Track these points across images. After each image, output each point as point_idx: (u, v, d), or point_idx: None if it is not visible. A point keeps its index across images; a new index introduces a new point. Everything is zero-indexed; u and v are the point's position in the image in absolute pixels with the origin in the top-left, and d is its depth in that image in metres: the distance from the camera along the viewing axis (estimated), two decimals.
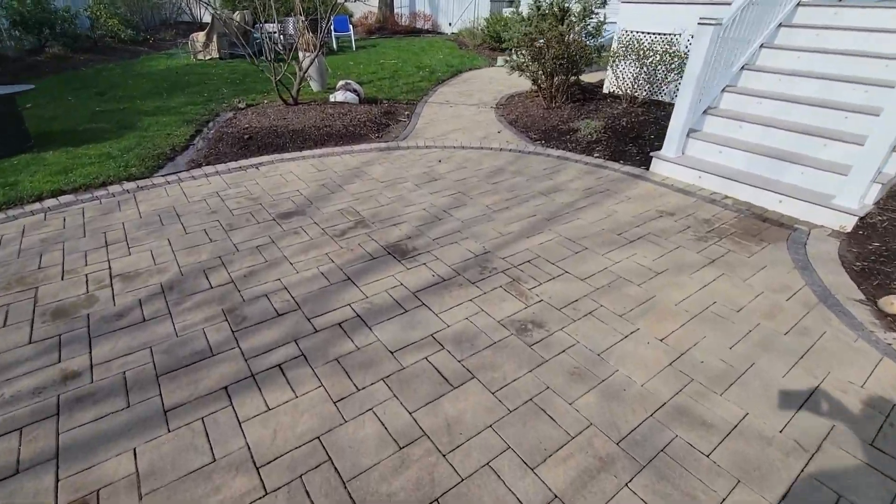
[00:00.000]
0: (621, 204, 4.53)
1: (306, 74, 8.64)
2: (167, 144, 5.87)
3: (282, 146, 5.97)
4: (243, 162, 5.47)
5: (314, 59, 7.52)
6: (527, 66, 7.33)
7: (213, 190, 4.74)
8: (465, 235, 3.89)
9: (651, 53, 6.67)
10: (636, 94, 7.37)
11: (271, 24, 11.13)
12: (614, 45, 7.74)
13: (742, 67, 5.29)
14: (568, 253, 3.65)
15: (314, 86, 9.03)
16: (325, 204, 4.47)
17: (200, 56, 12.69)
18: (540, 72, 7.15)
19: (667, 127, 5.12)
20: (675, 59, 6.46)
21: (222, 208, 4.33)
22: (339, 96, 7.80)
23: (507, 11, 13.18)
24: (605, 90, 8.37)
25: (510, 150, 6.08)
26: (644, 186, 4.97)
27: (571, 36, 6.83)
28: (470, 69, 11.68)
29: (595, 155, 5.81)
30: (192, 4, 17.51)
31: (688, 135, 5.13)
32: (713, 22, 4.47)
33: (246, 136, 6.17)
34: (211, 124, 6.85)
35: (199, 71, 10.96)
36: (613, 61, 7.20)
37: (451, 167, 5.47)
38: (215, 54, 12.86)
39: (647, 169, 5.33)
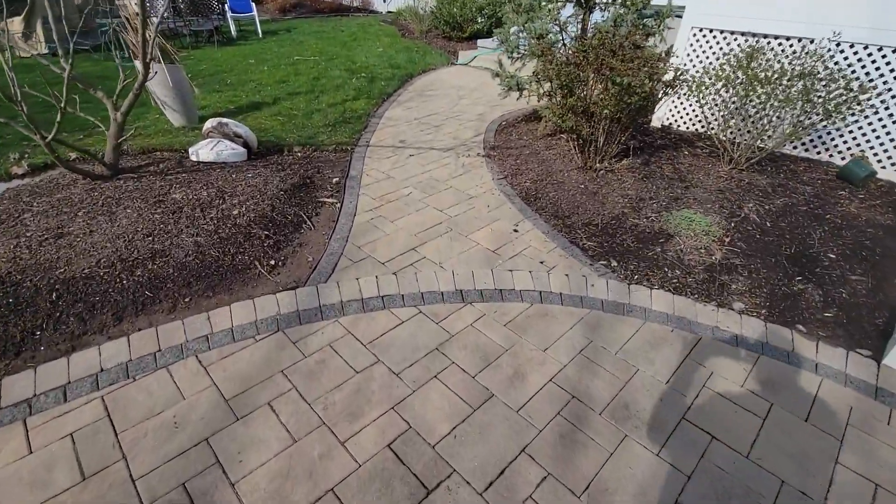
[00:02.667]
0: None
1: (160, 100, 4.95)
2: None
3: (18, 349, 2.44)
4: None
5: (144, 80, 3.83)
6: (550, 96, 4.07)
7: None
8: None
9: (775, 78, 3.63)
10: (725, 137, 4.34)
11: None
12: (680, 53, 4.65)
13: None
14: None
15: (174, 119, 5.30)
16: None
17: (24, 51, 8.37)
18: (571, 112, 3.92)
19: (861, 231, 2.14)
20: (836, 90, 3.48)
21: None
22: (203, 151, 4.20)
23: None
24: (658, 123, 5.31)
25: (560, 300, 2.91)
26: None
27: (622, 39, 3.64)
28: (423, 71, 8.24)
29: (741, 308, 2.81)
30: None
31: None
32: None
33: None
34: None
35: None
36: (682, 84, 4.06)
37: (457, 405, 2.25)
38: (43, 48, 8.69)
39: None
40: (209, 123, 4.35)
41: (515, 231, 3.53)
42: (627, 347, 2.55)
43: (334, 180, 4.23)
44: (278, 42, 10.18)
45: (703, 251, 3.17)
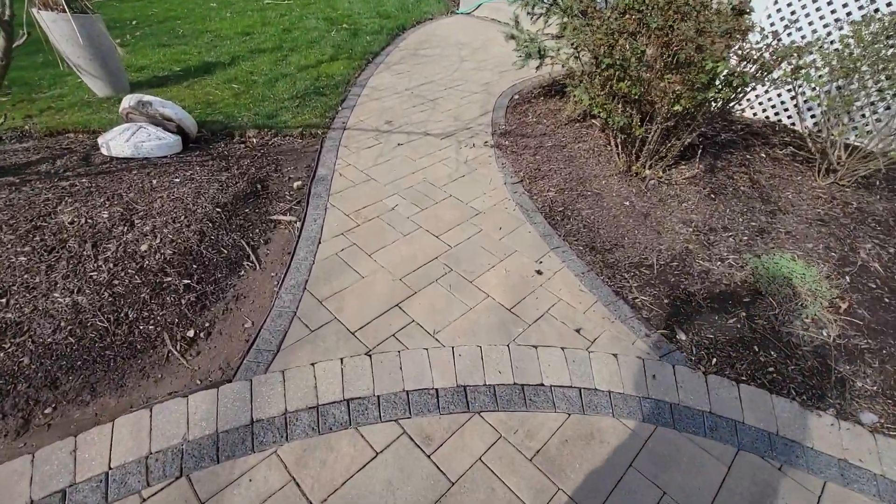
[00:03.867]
0: None
1: (72, 63, 3.82)
2: None
3: None
4: None
5: (8, 43, 2.69)
6: (589, 75, 2.95)
7: None
8: None
9: None
10: (820, 133, 3.27)
11: None
12: (759, 13, 3.47)
13: None
14: None
15: (95, 87, 4.13)
16: None
17: None
18: (619, 100, 2.81)
19: None
20: None
21: None
22: (116, 143, 3.11)
23: None
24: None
25: (610, 404, 2.03)
26: None
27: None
28: (418, 23, 6.90)
29: (873, 423, 1.94)
30: None
31: None
32: None
33: None
34: None
35: None
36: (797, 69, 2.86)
37: None
38: None
39: None
40: (126, 102, 3.22)
41: (539, 273, 2.55)
42: None
43: (295, 184, 3.18)
44: None
45: (808, 322, 2.22)
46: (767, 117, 3.88)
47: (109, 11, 6.83)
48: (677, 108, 2.41)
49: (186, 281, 2.29)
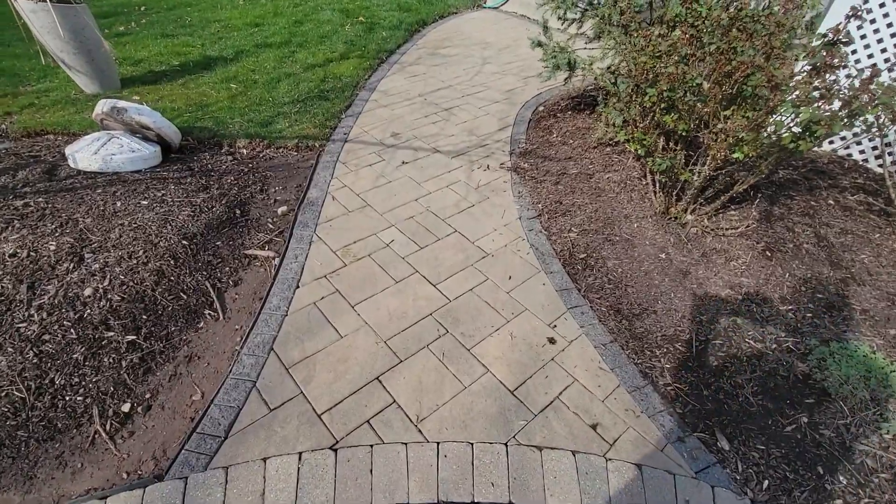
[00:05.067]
0: None
1: (56, 57, 3.52)
2: None
3: None
4: None
5: None
6: (626, 105, 2.46)
7: None
8: None
9: None
10: None
11: None
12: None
13: None
14: None
15: (83, 83, 3.83)
16: None
17: None
18: (664, 136, 2.33)
19: None
20: None
21: None
22: (84, 155, 2.77)
23: None
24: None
25: None
26: None
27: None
28: (441, 17, 6.41)
29: None
30: None
31: None
32: None
33: None
34: None
35: None
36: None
37: None
38: None
39: None
40: (99, 108, 2.88)
41: (551, 342, 2.12)
42: None
43: (280, 210, 2.80)
44: None
45: (889, 440, 1.75)
46: (835, 150, 3.32)
47: None
48: (738, 155, 1.93)
49: (132, 337, 1.94)
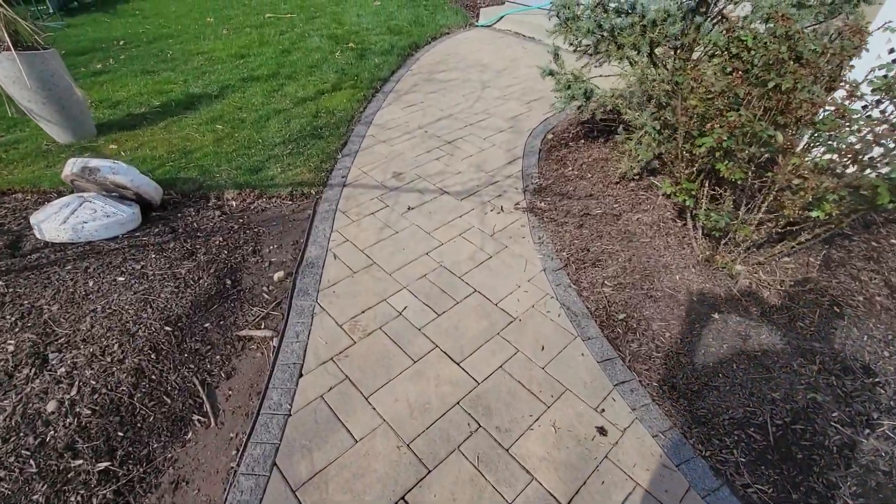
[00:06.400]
0: None
1: (23, 108, 3.22)
2: None
3: None
4: None
5: None
6: (673, 156, 2.18)
7: None
8: None
9: None
10: None
11: None
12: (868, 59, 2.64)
13: None
14: None
15: (54, 134, 3.51)
16: None
17: None
18: (713, 186, 2.05)
19: None
20: None
21: None
22: (50, 225, 2.44)
23: None
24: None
25: None
26: None
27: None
28: (433, 38, 6.16)
29: None
30: None
31: None
32: None
33: None
34: None
35: None
36: None
37: None
38: None
39: None
40: (68, 168, 2.56)
41: (602, 433, 1.81)
42: None
43: (276, 276, 2.48)
44: None
45: None
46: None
47: (99, 30, 6.27)
48: (817, 214, 1.65)
49: (105, 463, 1.60)
